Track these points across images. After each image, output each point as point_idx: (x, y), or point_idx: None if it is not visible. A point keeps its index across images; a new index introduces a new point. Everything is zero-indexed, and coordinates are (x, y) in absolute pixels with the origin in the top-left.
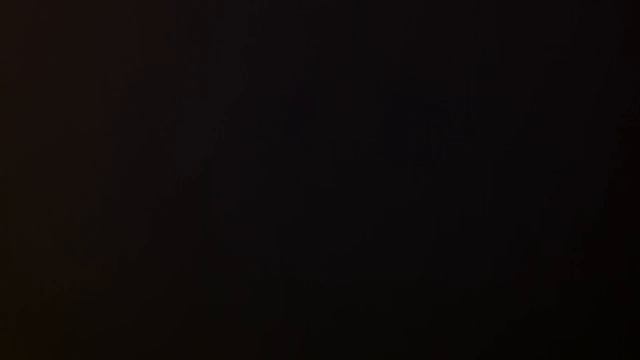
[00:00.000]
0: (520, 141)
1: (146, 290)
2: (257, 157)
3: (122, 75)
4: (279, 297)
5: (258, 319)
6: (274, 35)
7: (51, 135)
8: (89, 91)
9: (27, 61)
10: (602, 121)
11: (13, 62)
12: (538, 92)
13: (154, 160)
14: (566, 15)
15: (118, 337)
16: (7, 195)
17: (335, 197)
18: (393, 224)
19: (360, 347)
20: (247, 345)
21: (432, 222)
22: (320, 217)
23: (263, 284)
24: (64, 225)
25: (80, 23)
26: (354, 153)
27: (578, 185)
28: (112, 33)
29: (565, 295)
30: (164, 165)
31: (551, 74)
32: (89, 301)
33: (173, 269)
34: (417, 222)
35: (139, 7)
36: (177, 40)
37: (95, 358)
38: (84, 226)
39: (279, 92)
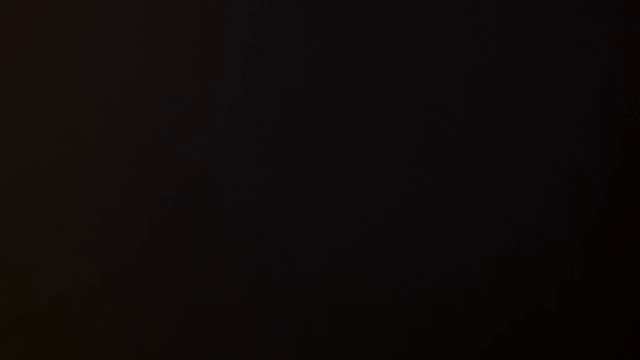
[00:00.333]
0: (520, 141)
1: (146, 291)
2: (256, 157)
3: (122, 76)
4: (279, 297)
5: (258, 319)
6: (274, 35)
7: (51, 135)
8: (89, 92)
9: (27, 61)
10: (602, 121)
11: (13, 62)
12: (538, 92)
13: (154, 160)
14: (566, 15)
15: (118, 338)
16: (7, 197)
17: (335, 197)
18: (393, 224)
19: (361, 347)
20: (247, 346)
21: (432, 222)
22: (320, 217)
23: (263, 284)
24: (64, 225)
25: (81, 23)
26: (354, 153)
27: (578, 185)
28: (113, 33)
29: (565, 295)
30: (164, 165)
31: (551, 74)
32: (89, 302)
33: (173, 269)
34: (417, 222)
35: (139, 7)
36: (176, 40)
37: (95, 358)
38: (84, 227)
39: (278, 92)
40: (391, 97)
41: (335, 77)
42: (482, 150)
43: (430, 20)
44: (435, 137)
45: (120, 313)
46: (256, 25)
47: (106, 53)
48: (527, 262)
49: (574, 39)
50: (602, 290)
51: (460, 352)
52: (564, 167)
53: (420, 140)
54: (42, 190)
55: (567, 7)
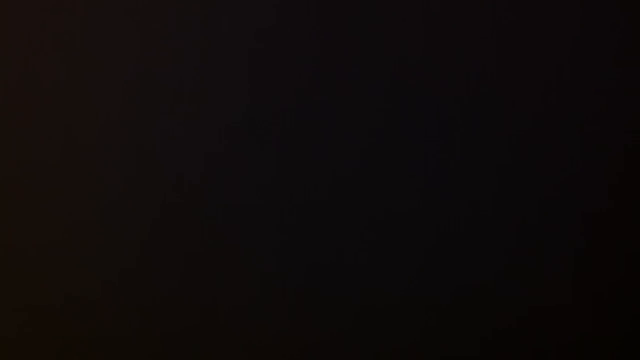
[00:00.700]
0: (520, 141)
1: (147, 291)
2: (257, 158)
3: (122, 76)
4: (279, 297)
5: (258, 319)
6: (273, 35)
7: (51, 136)
8: (89, 93)
9: (27, 62)
10: (602, 121)
11: (13, 63)
12: (538, 92)
13: (154, 161)
14: (566, 15)
15: (118, 338)
16: (7, 198)
17: (335, 197)
18: (393, 224)
19: (361, 347)
20: (247, 346)
21: (433, 222)
22: (320, 217)
23: (263, 284)
24: (64, 226)
25: (81, 24)
26: (354, 153)
27: (578, 185)
28: (113, 34)
29: (565, 295)
30: (164, 166)
31: (551, 74)
32: (89, 302)
33: (173, 270)
34: (418, 222)
35: (139, 8)
36: (176, 41)
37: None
38: (84, 227)
39: (279, 93)
40: (392, 97)
41: (336, 78)
42: (482, 150)
43: (431, 20)
44: (435, 138)
45: (120, 315)
46: (256, 25)
47: (106, 53)
48: (528, 262)
49: (574, 39)
50: (602, 290)
51: (461, 352)
52: (564, 167)
53: (420, 141)
54: (42, 190)
55: (567, 7)
